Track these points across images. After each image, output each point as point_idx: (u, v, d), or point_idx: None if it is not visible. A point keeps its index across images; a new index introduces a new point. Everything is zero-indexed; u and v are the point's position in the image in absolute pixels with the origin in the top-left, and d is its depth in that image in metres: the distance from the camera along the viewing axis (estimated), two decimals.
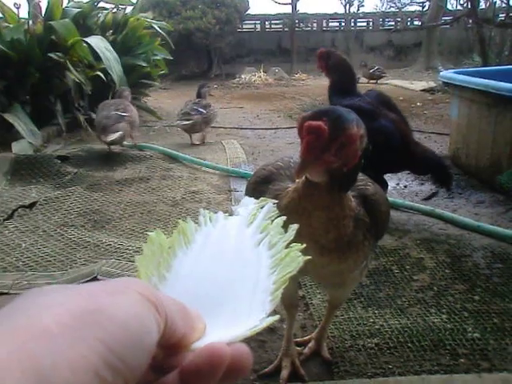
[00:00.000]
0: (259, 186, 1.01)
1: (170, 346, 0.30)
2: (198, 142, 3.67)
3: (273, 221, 0.46)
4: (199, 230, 0.44)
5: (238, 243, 0.43)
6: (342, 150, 0.76)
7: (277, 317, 0.34)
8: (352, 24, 9.64)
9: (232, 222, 0.46)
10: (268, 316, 0.34)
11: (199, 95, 3.70)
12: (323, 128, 0.73)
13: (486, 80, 2.49)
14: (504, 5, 5.42)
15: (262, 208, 0.48)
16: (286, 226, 0.44)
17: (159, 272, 0.38)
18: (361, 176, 0.98)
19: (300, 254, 0.40)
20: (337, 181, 0.82)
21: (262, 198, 0.50)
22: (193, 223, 0.45)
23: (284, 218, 0.46)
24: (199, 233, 0.44)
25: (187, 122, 3.43)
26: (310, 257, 0.39)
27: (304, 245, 0.40)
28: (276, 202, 0.49)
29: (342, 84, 2.10)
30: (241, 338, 0.32)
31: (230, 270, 0.39)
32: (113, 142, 2.96)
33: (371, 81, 7.18)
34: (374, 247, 1.04)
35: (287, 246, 0.41)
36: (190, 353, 0.30)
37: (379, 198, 0.99)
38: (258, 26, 9.43)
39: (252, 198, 0.51)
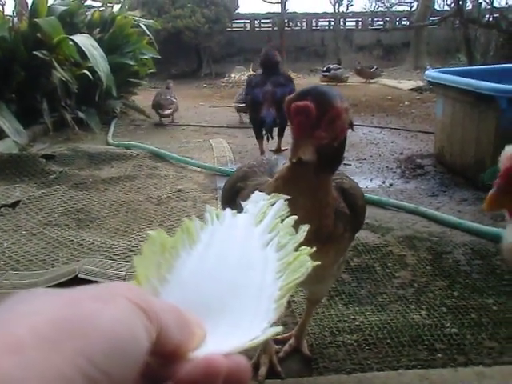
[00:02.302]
0: (237, 183, 1.02)
1: (165, 355, 0.28)
2: (247, 120, 4.17)
3: (283, 220, 0.43)
4: (204, 229, 0.41)
5: (245, 243, 0.41)
6: (330, 125, 0.80)
7: (279, 328, 0.32)
8: (341, 23, 9.68)
9: (240, 220, 0.43)
10: (271, 325, 0.33)
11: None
12: (310, 106, 0.77)
13: (469, 79, 2.52)
14: (488, 6, 5.50)
15: (272, 205, 0.45)
16: (296, 226, 0.42)
17: (160, 274, 0.36)
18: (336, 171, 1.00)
19: (309, 258, 0.38)
20: (326, 159, 0.84)
21: (273, 194, 0.47)
22: (198, 221, 0.42)
23: (295, 217, 0.43)
24: (204, 231, 0.41)
25: (241, 105, 4.16)
26: (319, 262, 0.37)
27: (314, 248, 0.38)
28: (288, 197, 0.46)
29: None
30: (240, 350, 0.30)
31: (234, 272, 0.38)
32: (167, 115, 4.38)
33: (371, 80, 7.25)
34: (351, 241, 1.05)
35: (297, 249, 0.39)
36: (187, 362, 0.28)
37: (356, 191, 1.00)
38: (248, 25, 9.44)
39: (263, 193, 0.48)
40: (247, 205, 0.46)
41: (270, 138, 3.25)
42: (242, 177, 1.03)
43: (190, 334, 0.29)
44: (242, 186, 0.99)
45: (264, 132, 3.21)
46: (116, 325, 0.24)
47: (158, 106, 4.36)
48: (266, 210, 0.45)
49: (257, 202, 0.46)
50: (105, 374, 0.23)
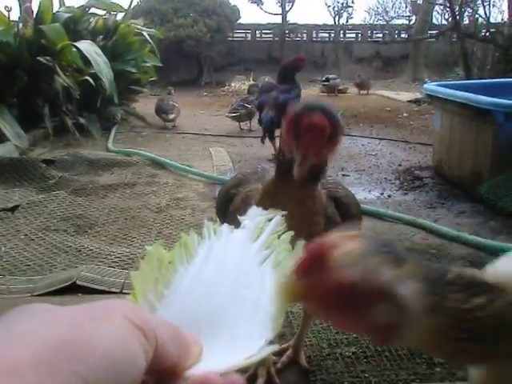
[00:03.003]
0: (230, 190, 1.03)
1: (161, 372, 0.28)
2: (246, 128, 4.60)
3: (280, 236, 0.43)
4: (202, 244, 0.41)
5: (242, 260, 0.40)
6: (332, 146, 0.78)
7: (275, 347, 0.32)
8: (341, 35, 9.79)
9: (237, 236, 0.43)
10: (267, 344, 0.32)
11: (250, 92, 4.73)
12: (325, 125, 0.74)
13: (467, 93, 2.55)
14: (485, 22, 5.58)
15: (269, 221, 0.45)
16: (293, 242, 0.42)
17: (157, 289, 0.36)
18: (331, 179, 1.01)
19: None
20: (312, 174, 0.84)
21: (270, 210, 0.47)
22: (196, 236, 0.42)
23: (292, 232, 0.43)
24: (202, 246, 0.41)
25: (233, 115, 4.40)
26: None
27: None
28: (285, 213, 0.46)
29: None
30: (236, 368, 0.30)
31: (231, 289, 0.37)
32: (171, 120, 4.63)
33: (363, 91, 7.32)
34: None
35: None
36: (183, 380, 0.28)
37: (350, 200, 1.01)
38: (249, 35, 9.53)
39: (259, 209, 0.48)
40: (245, 220, 0.46)
41: (269, 138, 3.44)
42: (235, 184, 1.04)
43: (186, 351, 0.29)
44: (235, 192, 1.00)
45: (263, 132, 3.47)
46: (113, 346, 0.24)
47: (161, 111, 4.58)
48: (263, 225, 0.45)
49: (254, 217, 0.46)
50: None
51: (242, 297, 0.37)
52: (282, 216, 0.46)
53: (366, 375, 1.23)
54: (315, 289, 0.41)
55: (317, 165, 0.82)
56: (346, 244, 0.43)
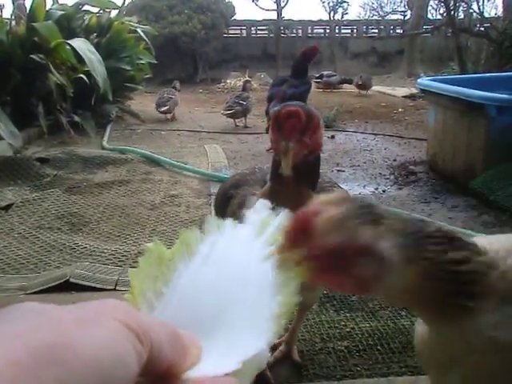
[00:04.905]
0: (229, 191, 1.04)
1: (157, 375, 0.26)
2: (241, 125, 4.63)
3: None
4: (204, 240, 0.40)
5: (244, 257, 0.39)
6: (313, 134, 0.86)
7: (269, 354, 0.32)
8: (336, 31, 9.77)
9: (240, 232, 0.41)
10: (267, 344, 0.32)
11: (244, 89, 4.74)
12: (301, 111, 0.84)
13: (459, 88, 2.56)
14: (479, 16, 5.59)
15: (274, 215, 0.43)
16: None
17: (156, 287, 0.35)
18: (327, 179, 1.01)
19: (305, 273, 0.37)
20: (302, 175, 0.87)
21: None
22: (198, 232, 0.40)
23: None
24: (204, 243, 0.39)
25: (228, 112, 4.41)
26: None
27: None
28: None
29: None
30: (234, 369, 0.29)
31: (232, 287, 0.36)
32: (163, 112, 4.81)
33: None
34: None
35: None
36: (181, 383, 0.27)
37: None
38: (244, 32, 9.50)
39: (267, 202, 0.46)
40: (250, 214, 0.44)
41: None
42: (234, 185, 1.05)
43: (183, 353, 0.28)
44: (233, 193, 1.01)
45: (267, 123, 3.55)
46: (100, 350, 0.23)
47: (156, 105, 4.84)
48: (268, 220, 0.43)
49: (260, 211, 0.44)
50: None
51: (244, 295, 0.36)
52: (290, 212, 0.44)
53: (358, 369, 1.25)
54: (305, 256, 0.45)
55: (305, 161, 0.83)
56: (327, 210, 0.47)
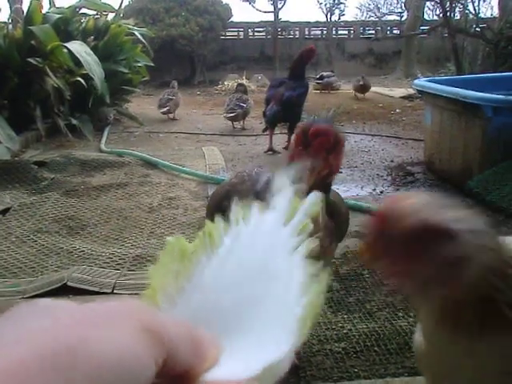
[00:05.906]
0: (223, 203, 1.01)
1: (173, 377, 0.25)
2: (239, 127, 4.65)
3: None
4: (229, 231, 0.37)
5: (271, 248, 0.36)
6: (338, 155, 0.86)
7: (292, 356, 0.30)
8: (333, 32, 9.79)
9: (267, 220, 0.38)
10: (291, 348, 0.30)
11: (237, 90, 4.77)
12: (331, 130, 0.84)
13: (456, 88, 2.57)
14: (475, 17, 5.61)
15: (304, 200, 0.39)
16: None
17: (177, 282, 0.33)
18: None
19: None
20: (320, 185, 0.85)
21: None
22: (222, 223, 0.38)
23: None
24: (228, 234, 0.37)
25: (231, 115, 4.43)
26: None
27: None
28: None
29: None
30: (254, 374, 0.28)
31: (256, 282, 0.34)
32: (163, 113, 4.94)
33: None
34: (335, 250, 1.07)
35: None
36: None
37: (338, 200, 1.02)
38: (241, 34, 9.50)
39: (293, 184, 0.41)
40: (277, 198, 0.40)
41: (269, 129, 3.62)
42: (225, 196, 1.01)
43: (202, 355, 0.27)
44: (226, 204, 0.99)
45: (265, 124, 3.63)
46: (114, 352, 0.22)
47: (157, 106, 4.96)
48: (297, 204, 0.39)
49: (287, 195, 0.40)
50: None
51: (268, 291, 0.33)
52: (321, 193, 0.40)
53: (355, 370, 1.25)
54: (389, 243, 0.47)
55: (325, 176, 0.85)
56: (407, 199, 0.50)
